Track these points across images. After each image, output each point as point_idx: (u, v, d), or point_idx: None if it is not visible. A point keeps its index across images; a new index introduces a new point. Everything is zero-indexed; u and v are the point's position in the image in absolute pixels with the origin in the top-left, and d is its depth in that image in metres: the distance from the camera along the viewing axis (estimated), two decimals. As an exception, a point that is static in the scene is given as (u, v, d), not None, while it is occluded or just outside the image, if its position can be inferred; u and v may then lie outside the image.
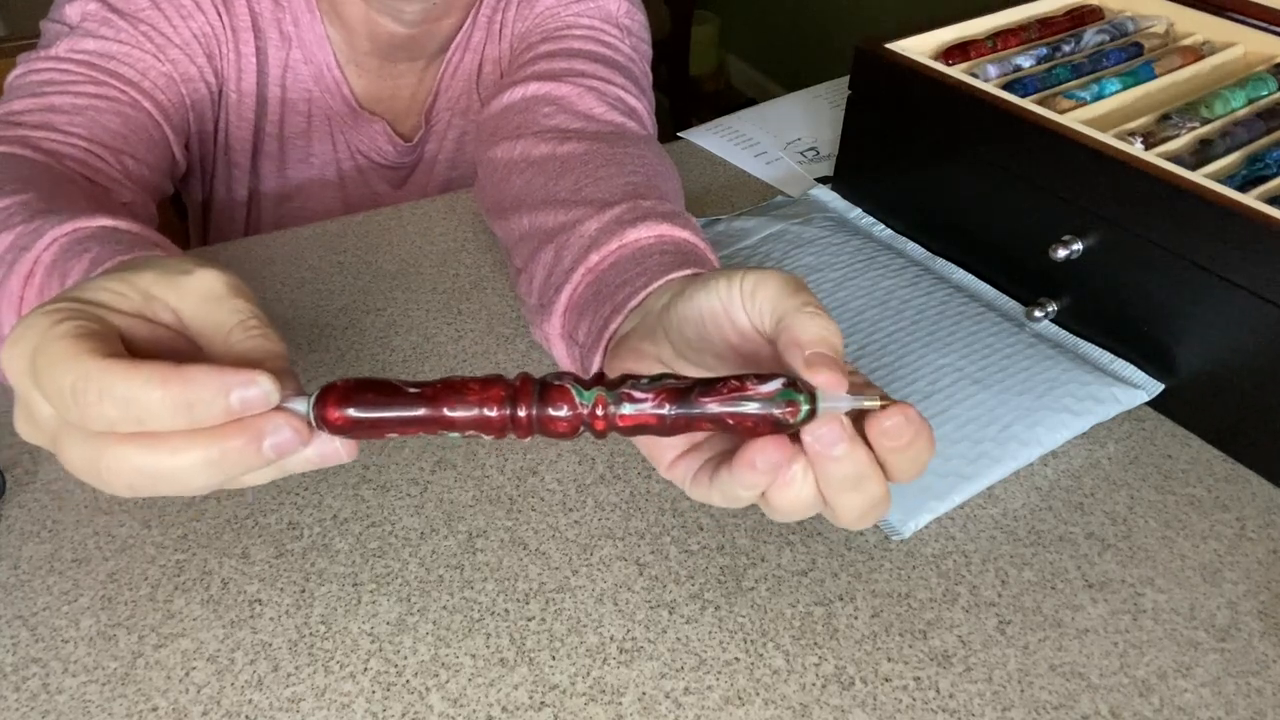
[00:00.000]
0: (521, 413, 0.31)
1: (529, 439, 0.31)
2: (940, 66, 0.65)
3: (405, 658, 0.43)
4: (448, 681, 0.42)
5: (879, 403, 0.31)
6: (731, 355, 0.36)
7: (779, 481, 0.32)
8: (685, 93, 2.54)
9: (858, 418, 0.32)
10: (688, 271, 0.42)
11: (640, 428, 0.32)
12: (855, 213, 0.73)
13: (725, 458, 0.34)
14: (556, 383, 0.31)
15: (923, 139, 0.66)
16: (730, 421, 0.31)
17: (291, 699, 0.42)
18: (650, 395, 0.32)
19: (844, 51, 0.70)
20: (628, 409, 0.31)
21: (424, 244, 0.71)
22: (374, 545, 0.48)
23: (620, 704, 0.42)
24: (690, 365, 0.37)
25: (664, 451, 0.37)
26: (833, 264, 0.66)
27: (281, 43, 0.72)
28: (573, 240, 0.48)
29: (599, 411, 0.31)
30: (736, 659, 0.43)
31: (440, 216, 0.74)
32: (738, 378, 0.31)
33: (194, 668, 0.43)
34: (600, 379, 0.32)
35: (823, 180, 0.78)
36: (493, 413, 0.30)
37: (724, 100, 2.87)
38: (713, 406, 0.31)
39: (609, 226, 0.47)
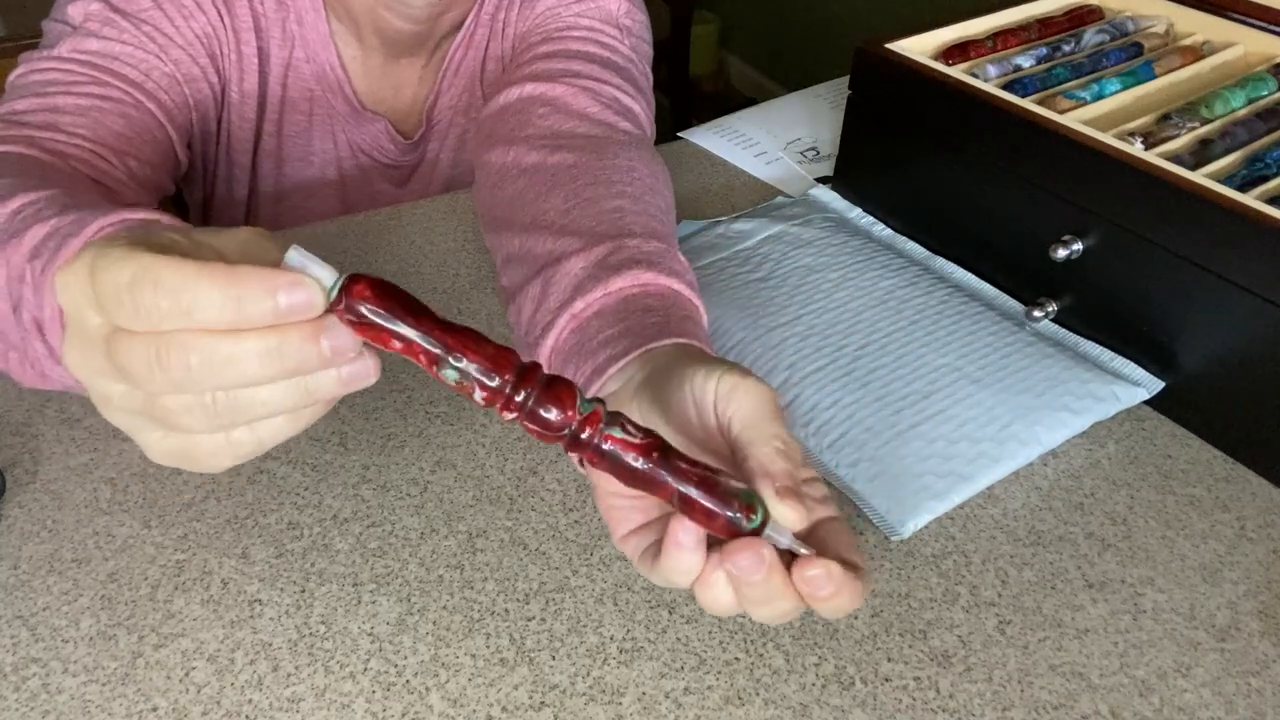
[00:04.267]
0: (520, 395, 0.31)
1: (511, 419, 0.31)
2: (940, 66, 0.65)
3: (405, 658, 0.43)
4: (448, 681, 0.42)
5: (808, 551, 0.34)
6: (685, 440, 0.38)
7: (701, 581, 0.34)
8: (685, 93, 2.54)
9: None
10: (667, 342, 0.42)
11: (614, 461, 0.32)
12: (855, 213, 0.73)
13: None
14: (564, 381, 0.32)
15: (923, 139, 0.66)
16: (691, 498, 0.32)
17: (291, 699, 0.42)
18: (640, 436, 0.32)
19: (844, 51, 0.70)
20: (617, 433, 0.32)
21: (424, 244, 0.71)
22: (374, 545, 0.48)
23: (620, 704, 0.42)
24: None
25: (622, 522, 0.39)
26: (832, 264, 0.66)
27: (284, 42, 0.72)
28: (558, 278, 0.49)
29: (589, 427, 0.32)
30: (736, 659, 0.43)
31: (440, 216, 0.74)
32: (715, 468, 0.33)
33: (194, 668, 0.43)
34: (600, 401, 0.33)
35: (823, 180, 0.78)
36: (494, 380, 0.30)
37: (724, 100, 2.87)
38: (685, 478, 0.32)
39: (593, 271, 0.47)
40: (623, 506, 0.39)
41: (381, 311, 0.29)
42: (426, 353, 0.30)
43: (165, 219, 0.45)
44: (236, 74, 0.72)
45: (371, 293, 0.29)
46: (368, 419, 0.56)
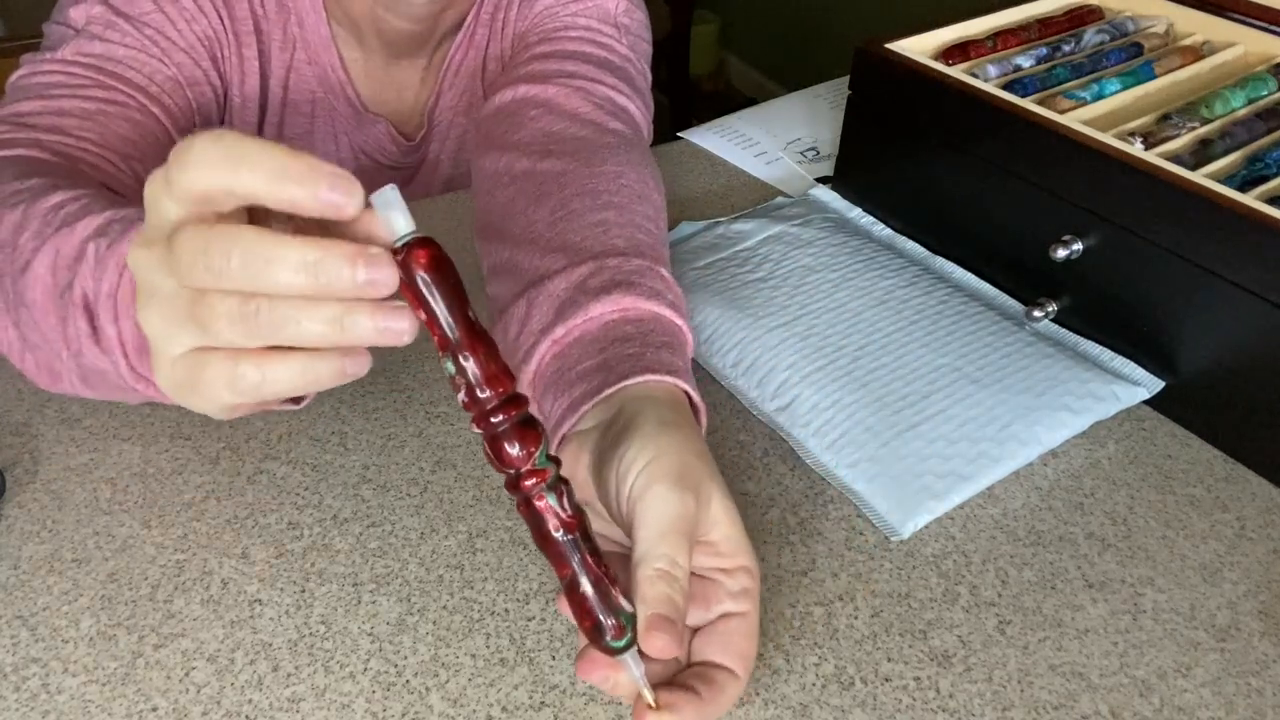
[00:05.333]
0: (496, 418, 0.32)
1: (476, 433, 0.33)
2: (940, 66, 0.65)
3: (405, 658, 0.43)
4: (448, 681, 0.42)
5: (650, 698, 0.36)
6: (608, 518, 0.40)
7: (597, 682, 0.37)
8: (685, 93, 2.54)
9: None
10: (637, 380, 0.43)
11: (537, 521, 0.34)
12: (855, 213, 0.73)
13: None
14: (538, 428, 0.33)
15: (923, 139, 0.66)
16: (580, 589, 0.34)
17: (291, 699, 0.42)
18: (568, 512, 0.34)
19: (844, 51, 0.70)
20: (551, 500, 0.34)
21: (424, 244, 0.70)
22: (374, 545, 0.48)
23: (620, 704, 0.42)
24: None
25: None
26: (832, 264, 0.66)
27: (285, 45, 0.72)
28: (541, 299, 0.49)
29: (534, 479, 0.33)
30: (736, 659, 0.43)
31: (440, 216, 0.74)
32: (614, 576, 0.35)
33: (194, 668, 0.43)
34: (558, 462, 0.34)
35: (823, 180, 0.78)
36: (484, 393, 0.31)
37: (724, 100, 2.87)
38: (586, 570, 0.34)
39: (574, 295, 0.48)
40: None
41: (430, 281, 0.30)
42: (442, 336, 0.31)
43: None
44: (238, 77, 0.72)
45: (428, 261, 0.30)
46: (368, 419, 0.56)
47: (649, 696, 0.35)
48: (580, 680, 0.42)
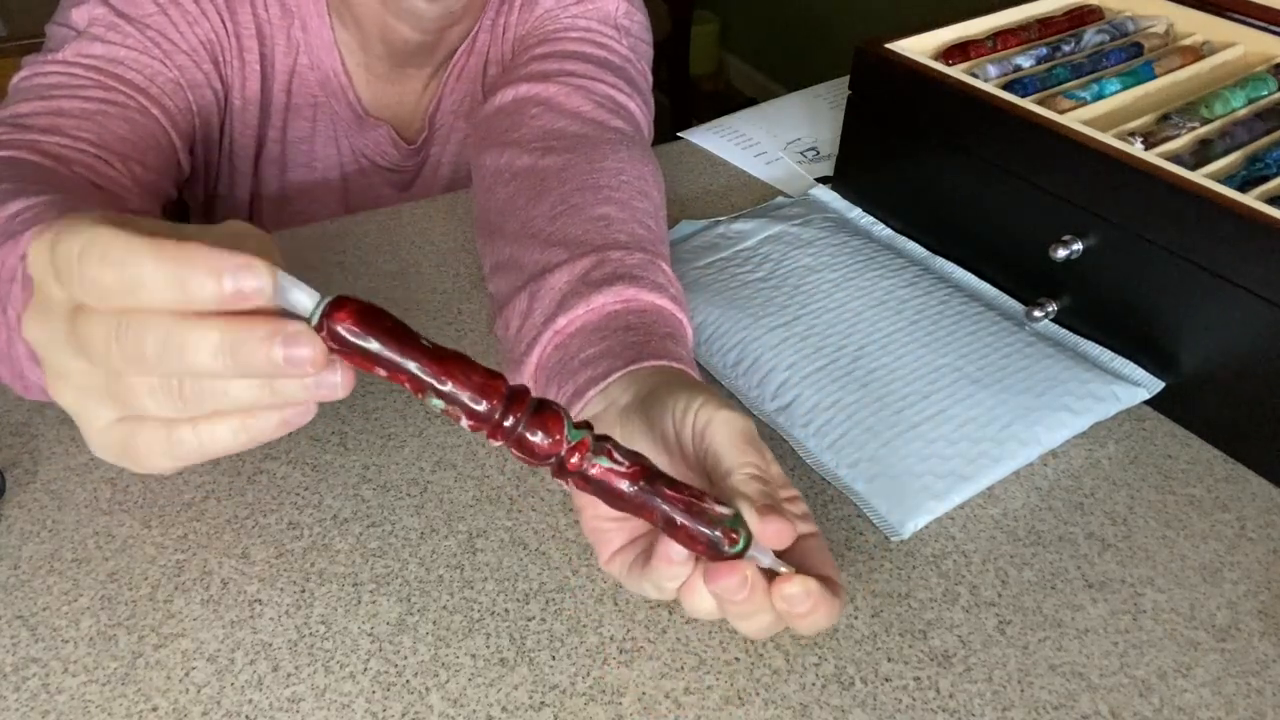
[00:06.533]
0: (508, 421, 0.30)
1: (498, 445, 0.31)
2: (940, 66, 0.65)
3: (405, 658, 0.43)
4: (448, 681, 0.42)
5: (789, 569, 0.35)
6: (671, 464, 0.40)
7: (687, 588, 0.36)
8: (685, 93, 2.54)
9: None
10: (646, 365, 0.43)
11: (601, 487, 0.33)
12: (855, 213, 0.73)
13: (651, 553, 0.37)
14: (553, 407, 0.31)
15: (923, 139, 0.66)
16: (677, 522, 0.33)
17: (291, 699, 0.42)
18: (626, 463, 0.33)
19: (844, 51, 0.70)
20: (604, 463, 0.32)
21: (424, 244, 0.71)
22: (374, 545, 0.48)
23: (620, 704, 0.42)
24: None
25: (607, 545, 0.41)
26: (832, 264, 0.66)
27: (289, 49, 0.72)
28: (543, 292, 0.49)
29: (577, 454, 0.32)
30: (736, 659, 0.43)
31: (440, 217, 0.74)
32: (700, 492, 0.34)
33: (194, 668, 0.43)
34: (589, 426, 0.33)
35: (823, 180, 0.78)
36: (481, 406, 0.30)
37: (724, 100, 2.87)
38: (669, 503, 0.33)
39: (576, 286, 0.48)
40: (608, 529, 0.42)
41: (364, 336, 0.28)
42: (412, 380, 0.29)
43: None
44: (239, 81, 0.72)
45: (353, 317, 0.28)
46: (368, 419, 0.56)
47: (788, 568, 0.35)
48: (579, 679, 0.42)
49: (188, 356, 0.27)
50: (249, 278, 0.26)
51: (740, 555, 0.34)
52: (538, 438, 0.31)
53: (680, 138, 0.86)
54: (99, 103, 0.61)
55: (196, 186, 0.80)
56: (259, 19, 0.70)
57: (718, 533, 0.34)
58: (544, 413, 0.31)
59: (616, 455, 0.33)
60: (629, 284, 0.47)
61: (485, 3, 0.74)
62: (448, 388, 0.29)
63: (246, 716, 0.41)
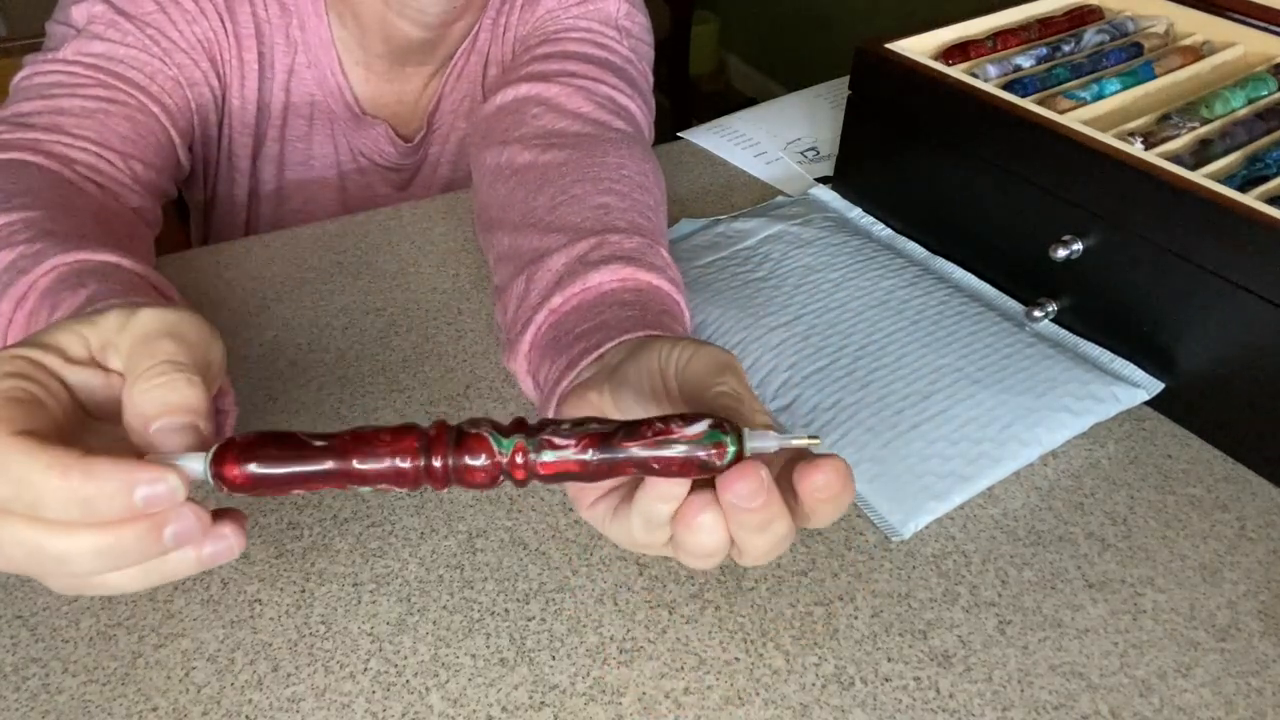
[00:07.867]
0: (437, 463, 0.29)
1: (447, 489, 0.30)
2: (940, 66, 0.65)
3: (405, 658, 0.43)
4: (448, 681, 0.42)
5: (810, 441, 0.31)
6: (645, 401, 0.37)
7: (690, 527, 0.32)
8: (685, 93, 2.54)
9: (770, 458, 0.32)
10: (642, 334, 0.42)
11: (563, 475, 0.31)
12: (855, 212, 0.73)
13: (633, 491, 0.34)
14: (473, 431, 0.30)
15: (923, 139, 0.66)
16: (655, 465, 0.30)
17: (291, 699, 0.42)
18: (572, 441, 0.30)
19: (844, 51, 0.70)
20: (549, 456, 0.30)
21: (424, 244, 0.71)
22: (374, 545, 0.48)
23: (620, 704, 0.42)
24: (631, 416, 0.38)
25: (585, 493, 0.37)
26: (832, 264, 0.66)
27: (288, 48, 0.72)
28: (540, 274, 0.49)
29: (518, 459, 0.30)
30: (736, 659, 0.43)
31: (440, 216, 0.74)
32: (663, 419, 0.31)
33: (194, 668, 0.43)
34: (520, 426, 0.31)
35: (823, 180, 0.78)
36: (406, 464, 0.29)
37: (724, 100, 2.87)
38: (637, 450, 0.30)
39: (574, 267, 0.47)
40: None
41: (263, 474, 0.28)
42: (330, 482, 0.29)
43: (127, 263, 0.46)
44: (238, 80, 0.72)
45: (239, 461, 0.28)
46: (367, 419, 0.56)
47: (805, 441, 0.31)
48: (579, 679, 0.42)
49: (67, 565, 0.27)
50: (160, 486, 0.27)
51: (736, 461, 0.31)
52: (477, 461, 0.30)
53: (680, 137, 0.86)
54: (99, 101, 0.61)
55: (195, 185, 0.81)
56: (258, 18, 0.70)
57: (700, 453, 0.30)
58: (466, 439, 0.30)
59: (558, 440, 0.31)
60: (626, 264, 0.47)
61: (486, 1, 0.74)
62: (369, 465, 0.29)
63: (246, 716, 0.41)
